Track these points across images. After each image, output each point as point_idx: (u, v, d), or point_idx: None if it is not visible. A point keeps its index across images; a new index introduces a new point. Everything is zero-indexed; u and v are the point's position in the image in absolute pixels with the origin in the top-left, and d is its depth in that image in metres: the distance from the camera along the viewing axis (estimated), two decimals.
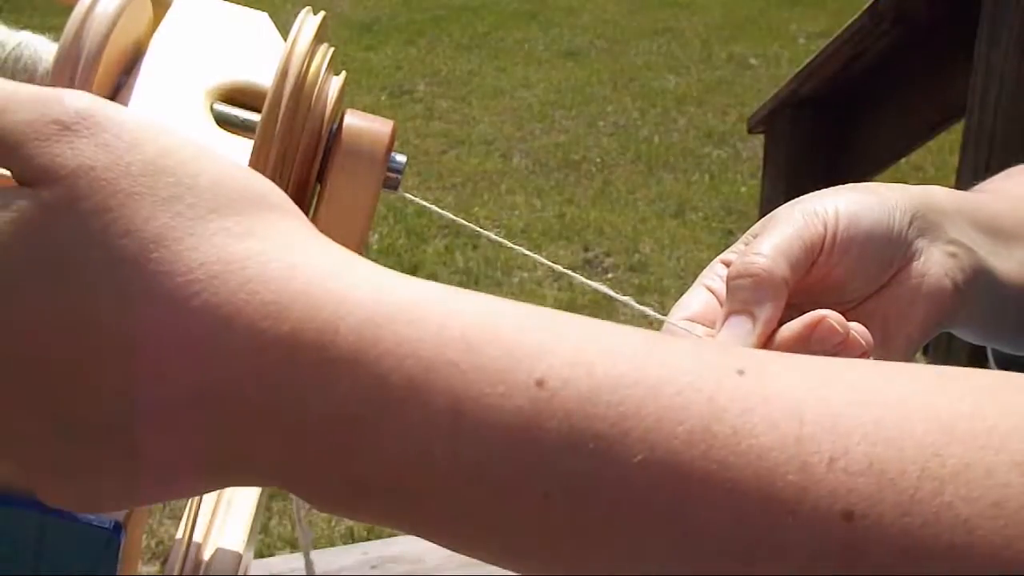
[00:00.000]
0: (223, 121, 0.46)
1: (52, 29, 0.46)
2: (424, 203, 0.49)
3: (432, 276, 3.19)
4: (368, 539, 2.13)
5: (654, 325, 0.50)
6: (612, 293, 0.54)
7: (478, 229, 0.52)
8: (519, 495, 0.29)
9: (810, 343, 0.48)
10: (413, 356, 0.29)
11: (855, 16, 1.79)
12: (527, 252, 0.51)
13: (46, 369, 0.30)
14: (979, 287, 0.54)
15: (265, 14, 0.48)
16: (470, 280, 3.17)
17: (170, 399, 0.30)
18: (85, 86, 0.43)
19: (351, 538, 2.17)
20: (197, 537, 0.53)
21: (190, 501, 0.47)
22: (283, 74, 0.43)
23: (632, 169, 3.96)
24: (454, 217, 0.50)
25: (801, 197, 0.53)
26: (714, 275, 0.54)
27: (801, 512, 0.27)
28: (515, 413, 0.29)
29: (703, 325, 0.52)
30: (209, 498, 0.57)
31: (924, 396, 0.30)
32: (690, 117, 4.42)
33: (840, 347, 0.48)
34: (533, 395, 0.29)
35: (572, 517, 0.29)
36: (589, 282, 0.52)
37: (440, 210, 0.49)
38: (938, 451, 0.28)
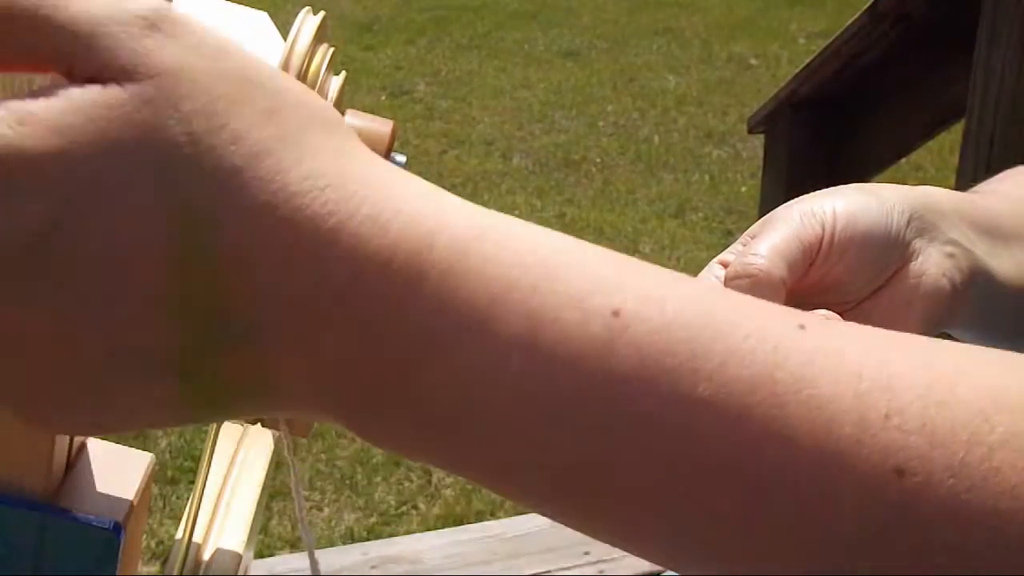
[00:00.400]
0: None
1: None
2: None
3: None
4: (368, 539, 2.13)
5: None
6: None
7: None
8: (582, 421, 0.29)
9: None
10: (497, 277, 0.30)
11: (855, 16, 1.79)
12: None
13: (137, 278, 0.29)
14: (977, 288, 0.54)
15: (265, 14, 0.48)
16: None
17: (274, 309, 0.29)
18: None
19: (351, 538, 2.17)
20: (197, 537, 0.53)
21: (190, 501, 0.47)
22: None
23: (632, 169, 3.96)
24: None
25: (799, 197, 0.53)
26: (711, 276, 0.53)
27: (855, 465, 0.28)
28: (590, 340, 0.29)
29: None
30: (209, 498, 0.57)
31: (976, 367, 0.30)
32: (690, 117, 4.42)
33: None
34: (608, 323, 0.29)
35: (632, 448, 0.29)
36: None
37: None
38: (988, 418, 0.28)
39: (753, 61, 5.02)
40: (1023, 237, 0.59)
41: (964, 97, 1.63)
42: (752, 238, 0.51)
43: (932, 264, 0.52)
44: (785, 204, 0.53)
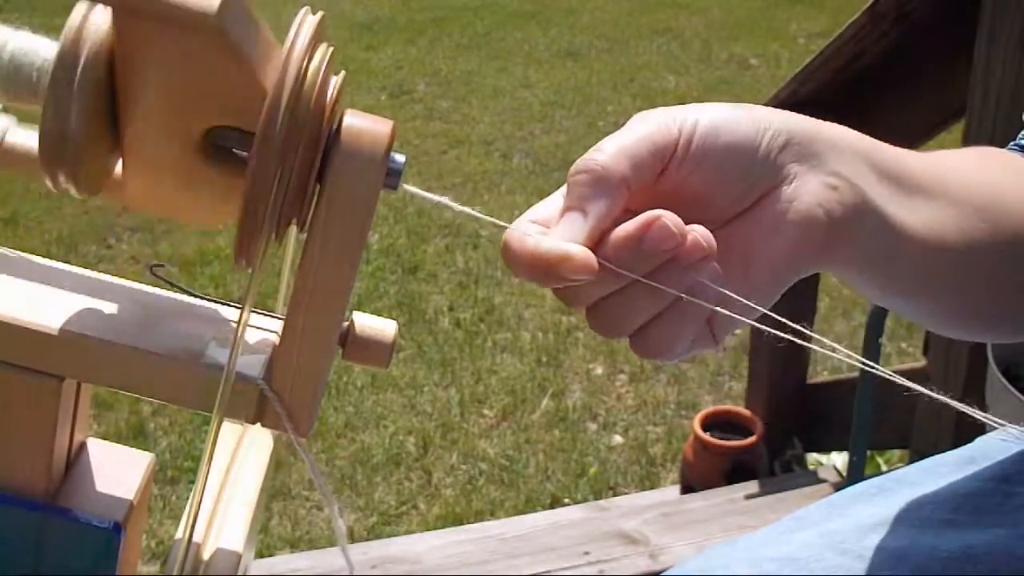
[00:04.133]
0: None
1: (54, 29, 0.46)
2: (426, 194, 0.49)
3: (432, 276, 3.19)
4: (368, 539, 2.13)
5: None
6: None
7: (482, 215, 0.51)
8: None
9: (643, 244, 0.46)
10: None
11: (855, 16, 1.79)
12: (494, 220, 0.51)
13: None
14: (864, 227, 0.52)
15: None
16: (470, 280, 3.17)
17: None
18: (85, 88, 0.43)
19: (351, 538, 2.17)
20: (197, 537, 0.53)
21: (190, 501, 0.47)
22: (283, 74, 0.43)
23: None
24: (457, 206, 0.50)
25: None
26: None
27: None
28: None
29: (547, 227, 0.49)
30: (209, 498, 0.57)
31: None
32: None
33: (676, 251, 0.46)
34: None
35: None
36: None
37: (443, 199, 0.49)
38: None
39: (753, 61, 5.01)
40: (932, 194, 0.56)
41: (964, 97, 1.63)
42: (606, 139, 0.49)
43: (807, 191, 0.50)
44: (651, 109, 0.51)
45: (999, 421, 0.51)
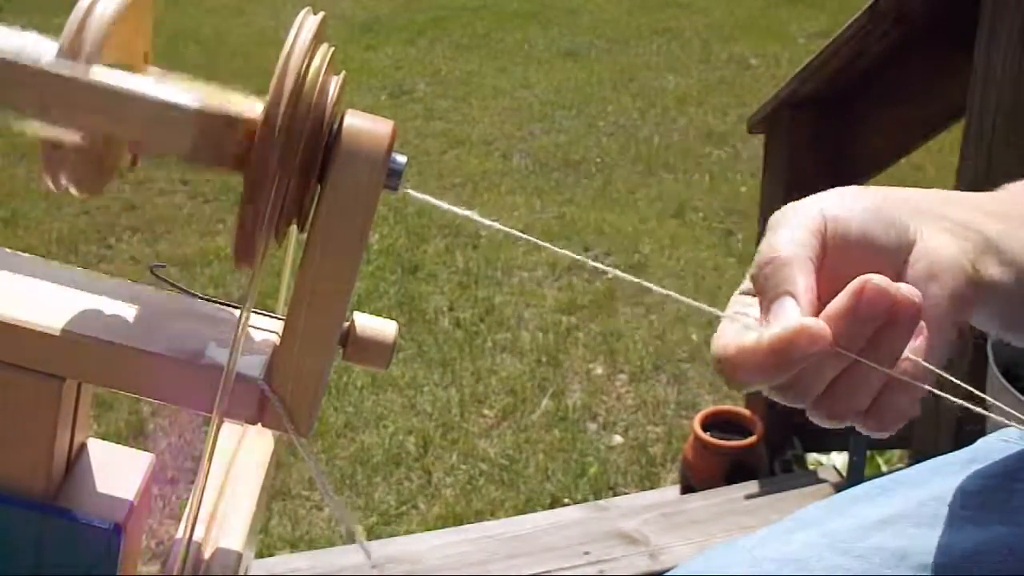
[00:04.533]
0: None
1: (55, 29, 0.46)
2: (425, 197, 0.49)
3: (432, 276, 3.19)
4: (368, 539, 2.13)
5: (665, 306, 0.50)
6: (624, 274, 0.54)
7: (481, 219, 0.51)
8: None
9: (859, 311, 0.46)
10: None
11: (855, 16, 1.79)
12: (536, 241, 0.51)
13: None
14: (996, 265, 0.53)
15: None
16: (470, 280, 3.17)
17: None
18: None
19: (351, 538, 2.17)
20: (197, 537, 0.53)
21: (190, 501, 0.47)
22: (283, 74, 0.43)
23: (632, 169, 3.96)
24: (456, 209, 0.50)
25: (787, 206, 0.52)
26: (739, 304, 0.52)
27: None
28: None
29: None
30: (209, 498, 0.56)
31: None
32: (690, 117, 4.42)
33: (892, 309, 0.46)
34: None
35: None
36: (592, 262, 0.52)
37: (442, 203, 0.49)
38: None
39: (753, 61, 5.01)
40: None
41: (964, 97, 1.63)
42: (764, 242, 0.50)
43: (937, 242, 0.51)
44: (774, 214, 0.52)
45: (1003, 417, 0.52)
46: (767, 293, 0.48)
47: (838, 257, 0.50)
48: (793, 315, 0.46)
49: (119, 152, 0.48)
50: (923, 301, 0.48)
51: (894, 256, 0.51)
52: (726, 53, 5.11)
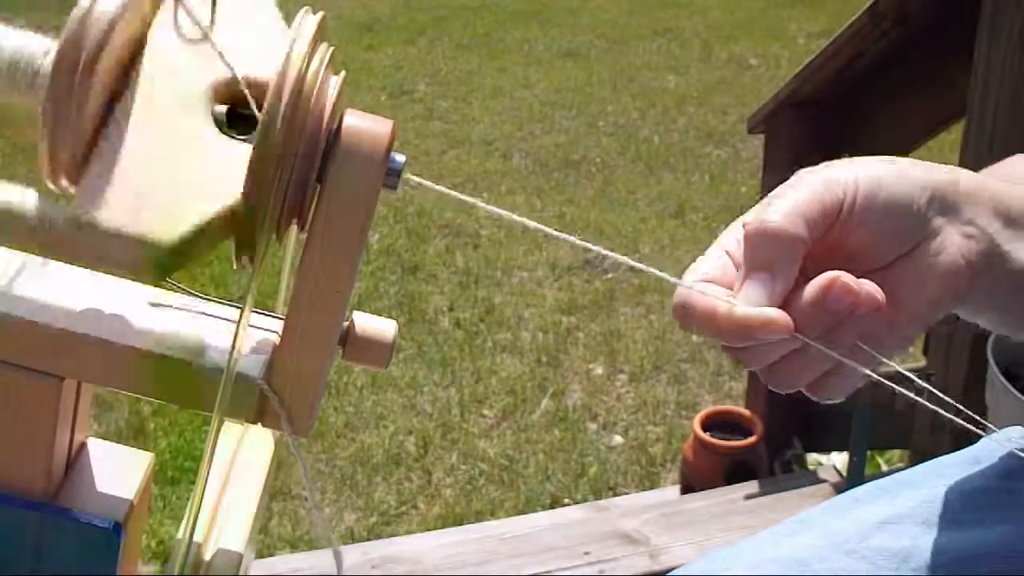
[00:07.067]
0: (222, 124, 0.46)
1: (54, 28, 0.46)
2: (431, 184, 0.49)
3: (432, 276, 3.19)
4: (368, 539, 2.13)
5: (665, 291, 0.50)
6: (634, 262, 0.54)
7: (484, 205, 0.51)
8: None
9: (826, 304, 0.49)
10: None
11: (855, 16, 1.79)
12: (540, 226, 0.51)
13: None
14: (994, 271, 0.54)
15: None
16: (470, 280, 3.17)
17: None
18: (85, 87, 0.43)
19: (351, 538, 2.17)
20: (197, 537, 0.53)
21: (190, 501, 0.47)
22: (283, 74, 0.43)
23: (632, 169, 3.96)
24: (461, 196, 0.50)
25: (826, 163, 0.54)
26: (733, 239, 0.54)
27: None
28: None
29: (719, 286, 0.52)
30: (209, 498, 0.56)
31: None
32: (690, 117, 4.42)
33: (854, 306, 0.49)
34: None
35: None
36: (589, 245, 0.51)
37: (447, 190, 0.49)
38: None
39: (753, 61, 5.01)
40: None
41: (964, 97, 1.63)
42: (776, 198, 0.52)
43: (951, 243, 0.52)
44: (810, 168, 0.53)
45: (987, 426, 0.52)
46: (748, 262, 0.51)
47: (849, 231, 0.52)
48: (764, 299, 0.49)
49: None
50: (909, 296, 0.52)
51: (897, 246, 0.52)
52: (726, 53, 5.11)
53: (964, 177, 0.55)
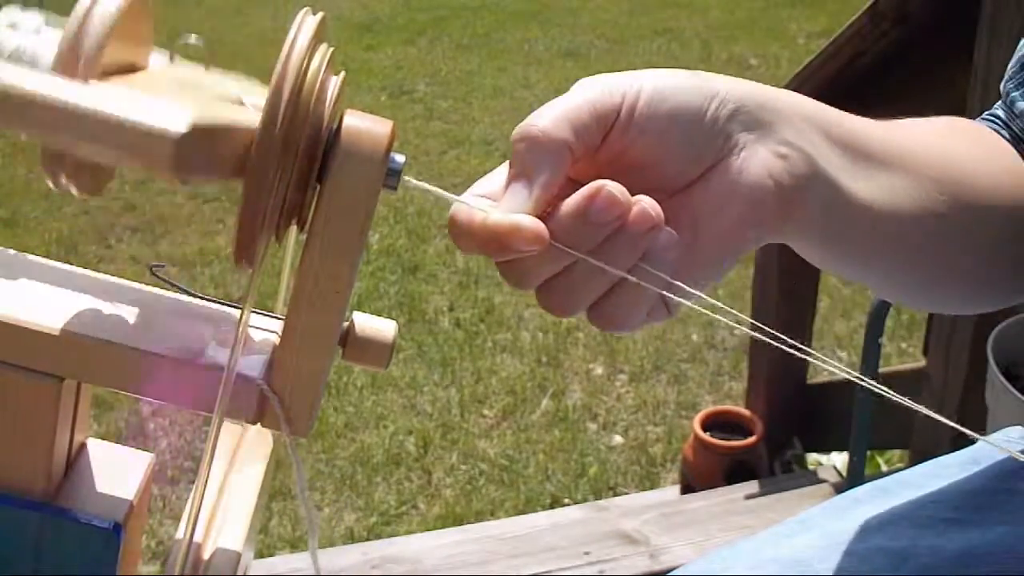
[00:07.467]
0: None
1: (54, 27, 0.46)
2: (427, 186, 0.49)
3: (432, 276, 3.19)
4: (368, 539, 2.13)
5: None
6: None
7: (482, 208, 0.51)
8: None
9: (588, 216, 0.45)
10: None
11: (855, 16, 1.79)
12: (447, 194, 0.51)
13: None
14: (815, 197, 0.51)
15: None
16: (470, 280, 3.17)
17: None
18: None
19: (351, 538, 2.17)
20: (197, 537, 0.53)
21: (190, 501, 0.47)
22: (282, 74, 0.43)
23: None
24: (453, 196, 0.49)
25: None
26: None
27: None
28: None
29: (494, 200, 0.49)
30: (209, 498, 0.56)
31: None
32: None
33: (622, 220, 0.45)
34: None
35: None
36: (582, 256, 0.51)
37: (442, 191, 0.49)
38: None
39: (753, 61, 5.01)
40: (889, 164, 0.55)
41: (964, 97, 1.63)
42: (546, 105, 0.49)
43: (757, 161, 0.49)
44: (596, 76, 0.50)
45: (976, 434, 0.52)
46: (511, 169, 0.48)
47: (631, 141, 0.48)
48: (516, 206, 0.46)
49: None
50: (711, 218, 0.48)
51: (691, 161, 0.49)
52: (726, 53, 5.11)
53: (785, 96, 0.52)
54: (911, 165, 0.56)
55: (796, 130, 0.51)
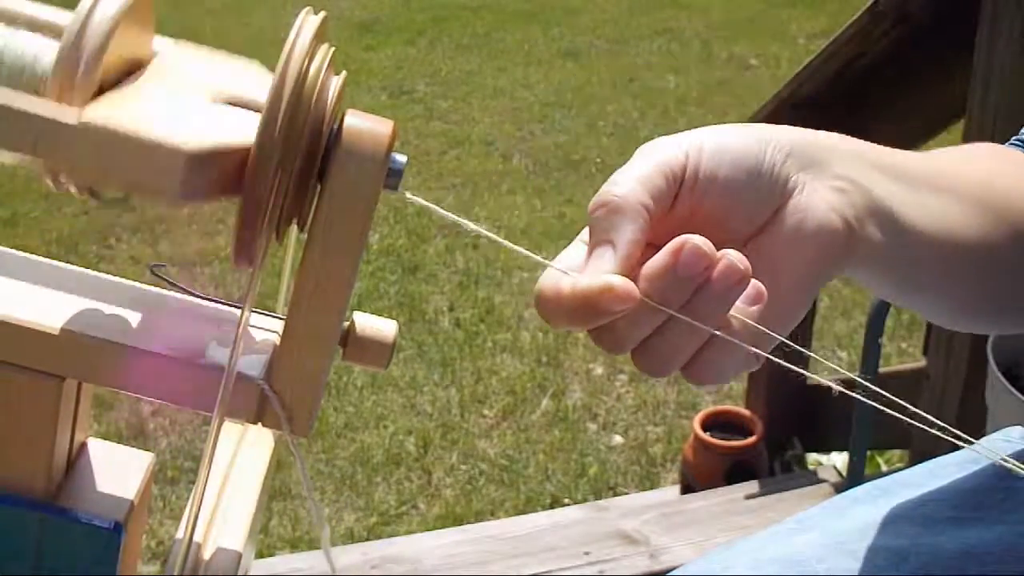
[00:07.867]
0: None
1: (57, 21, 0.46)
2: (424, 203, 0.49)
3: (432, 276, 3.19)
4: (368, 539, 2.13)
5: None
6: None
7: (478, 228, 0.51)
8: None
9: (676, 269, 0.45)
10: None
11: (855, 16, 1.79)
12: (528, 253, 0.51)
13: None
14: (878, 227, 0.52)
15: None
16: (470, 280, 3.17)
17: None
18: (86, 87, 0.43)
19: (351, 538, 2.17)
20: (197, 537, 0.53)
21: (190, 501, 0.47)
22: (283, 74, 0.43)
23: None
24: (455, 217, 0.50)
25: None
26: (578, 245, 0.51)
27: None
28: None
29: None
30: (209, 498, 0.56)
31: None
32: (690, 117, 4.41)
33: (709, 271, 0.45)
34: None
35: None
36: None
37: (440, 209, 0.49)
38: None
39: (753, 61, 5.01)
40: (936, 189, 0.56)
41: (964, 97, 1.63)
42: (617, 173, 0.49)
43: (818, 198, 0.50)
44: (653, 140, 0.51)
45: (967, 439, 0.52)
46: (592, 237, 0.48)
47: (701, 196, 0.49)
48: (606, 268, 0.46)
49: None
50: (786, 261, 0.49)
51: (758, 208, 0.50)
52: (726, 53, 5.11)
53: (827, 135, 0.54)
54: (956, 189, 0.58)
55: (847, 164, 0.52)
